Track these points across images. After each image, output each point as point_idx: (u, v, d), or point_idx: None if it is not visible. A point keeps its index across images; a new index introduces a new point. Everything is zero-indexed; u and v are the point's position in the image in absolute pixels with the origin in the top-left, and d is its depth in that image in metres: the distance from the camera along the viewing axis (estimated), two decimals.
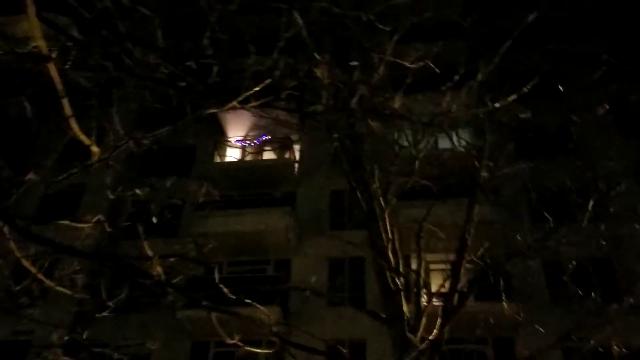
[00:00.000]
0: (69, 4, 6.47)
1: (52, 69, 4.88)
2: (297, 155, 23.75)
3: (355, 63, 7.79)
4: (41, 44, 4.69)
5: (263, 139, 24.10)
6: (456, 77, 9.14)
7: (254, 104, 6.37)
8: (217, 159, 23.83)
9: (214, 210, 20.20)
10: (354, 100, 7.51)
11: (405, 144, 10.16)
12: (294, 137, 23.60)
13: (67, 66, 5.93)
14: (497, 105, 8.29)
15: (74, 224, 6.71)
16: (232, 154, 24.20)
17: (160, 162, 21.37)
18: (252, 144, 24.15)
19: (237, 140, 24.18)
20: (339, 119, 8.46)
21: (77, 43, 6.34)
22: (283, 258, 20.47)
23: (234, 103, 6.18)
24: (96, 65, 6.49)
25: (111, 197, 7.72)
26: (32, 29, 4.49)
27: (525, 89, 8.65)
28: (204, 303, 7.71)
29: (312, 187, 22.30)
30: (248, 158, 24.32)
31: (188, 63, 6.48)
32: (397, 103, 8.08)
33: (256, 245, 20.34)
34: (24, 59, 6.85)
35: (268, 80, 6.44)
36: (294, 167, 23.04)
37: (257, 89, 6.31)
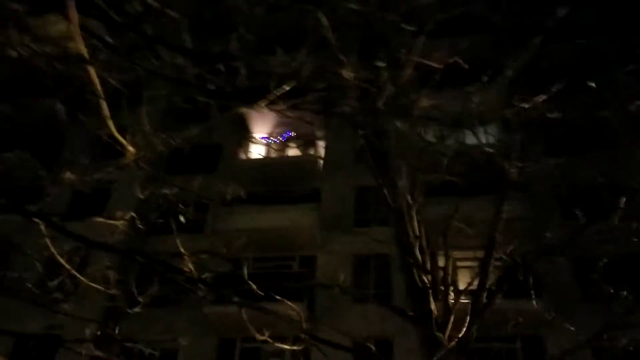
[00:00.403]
0: (99, 6, 6.57)
1: (92, 71, 4.98)
2: (322, 151, 23.79)
3: (381, 64, 7.79)
4: (82, 47, 4.79)
5: (288, 135, 24.18)
6: (485, 77, 9.08)
7: (280, 107, 6.42)
8: (243, 156, 23.95)
9: (240, 206, 20.33)
10: (381, 102, 7.51)
11: (433, 140, 10.11)
12: (319, 133, 23.65)
13: (98, 67, 6.04)
14: (525, 105, 8.23)
15: (106, 221, 6.85)
16: (258, 150, 24.30)
17: (187, 160, 21.59)
18: (277, 141, 24.24)
19: (262, 138, 24.29)
20: (366, 118, 8.47)
21: (109, 46, 6.45)
22: (308, 254, 20.53)
23: (261, 104, 6.24)
24: (125, 66, 6.60)
25: (140, 196, 7.84)
26: (74, 33, 4.59)
27: (554, 89, 8.56)
28: (234, 299, 7.79)
29: (337, 183, 22.32)
30: (273, 155, 24.42)
31: (215, 66, 6.55)
32: (424, 103, 8.05)
33: (281, 241, 20.43)
34: (56, 60, 7.00)
35: (293, 83, 6.48)
36: (318, 164, 23.08)
37: (283, 91, 6.35)
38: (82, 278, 6.97)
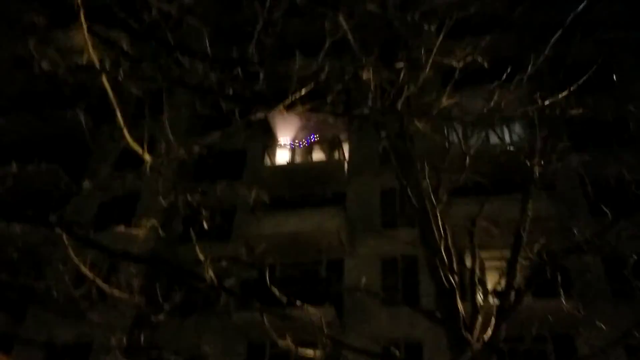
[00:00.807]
0: (119, 15, 6.67)
1: (105, 81, 5.06)
2: (346, 154, 23.78)
3: (401, 65, 7.77)
4: (93, 57, 4.86)
5: (312, 139, 24.21)
6: (504, 75, 8.99)
7: (300, 109, 6.44)
8: (268, 161, 24.04)
9: (266, 211, 20.42)
10: (401, 102, 7.49)
11: (455, 140, 10.06)
12: (343, 136, 23.66)
13: (119, 77, 6.12)
14: (547, 102, 8.14)
15: (129, 231, 6.92)
16: (282, 155, 24.39)
17: (212, 167, 21.77)
18: (301, 145, 24.30)
19: (286, 143, 24.38)
20: (387, 119, 8.45)
21: (128, 57, 6.55)
22: (335, 258, 20.50)
23: (281, 108, 6.26)
24: (147, 75, 6.67)
25: (164, 204, 7.92)
26: (85, 44, 4.67)
27: (576, 85, 8.46)
28: (257, 305, 7.81)
29: (362, 186, 22.30)
30: (298, 159, 24.47)
31: (235, 72, 6.60)
32: (445, 103, 8.01)
33: (308, 246, 20.41)
34: (78, 71, 7.11)
35: (311, 86, 6.51)
36: (343, 167, 23.07)
37: (302, 93, 6.37)
38: (105, 287, 7.05)
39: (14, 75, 25.54)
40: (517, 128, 19.43)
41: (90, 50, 4.76)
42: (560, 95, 8.21)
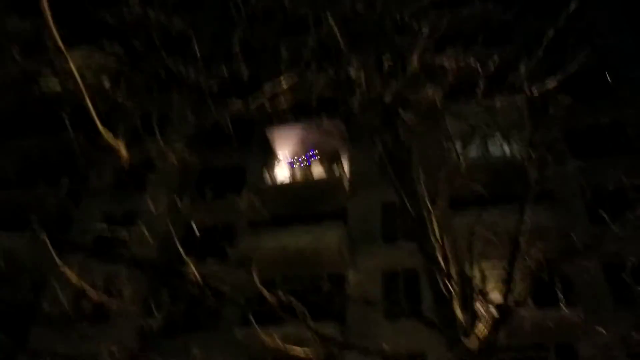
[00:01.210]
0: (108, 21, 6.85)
1: (76, 73, 5.25)
2: (346, 168, 23.86)
3: (387, 57, 7.90)
4: (64, 50, 5.01)
5: (311, 155, 24.29)
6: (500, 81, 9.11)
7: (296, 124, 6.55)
8: (267, 179, 24.08)
9: (266, 228, 20.51)
10: (388, 97, 7.59)
11: (455, 148, 10.12)
12: (342, 151, 23.76)
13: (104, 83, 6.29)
14: (535, 90, 8.21)
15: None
16: (282, 172, 24.47)
17: (211, 184, 21.89)
18: (301, 161, 24.37)
19: (286, 161, 24.45)
20: (381, 124, 8.56)
21: (124, 61, 6.76)
22: (337, 273, 20.53)
23: (260, 99, 6.41)
24: (144, 89, 6.86)
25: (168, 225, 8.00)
26: (50, 33, 4.79)
27: (564, 73, 8.51)
28: (252, 319, 7.89)
29: (363, 200, 22.35)
30: (298, 176, 24.51)
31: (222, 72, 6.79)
32: (431, 96, 8.09)
33: (310, 261, 20.45)
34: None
35: (294, 77, 6.68)
36: (344, 182, 23.15)
37: (284, 83, 6.51)
38: (105, 299, 7.16)
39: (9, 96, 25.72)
40: (516, 137, 19.57)
41: (58, 40, 4.88)
42: (548, 84, 8.27)
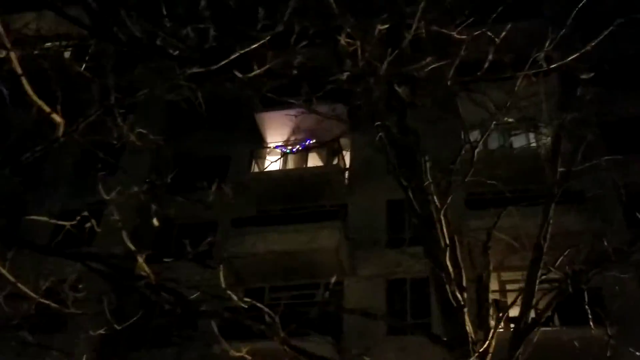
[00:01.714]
0: None
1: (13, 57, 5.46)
2: (348, 161, 23.80)
3: (381, 26, 7.95)
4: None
5: (307, 143, 24.04)
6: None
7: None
8: (255, 169, 24.03)
9: (253, 227, 20.44)
10: (384, 67, 7.64)
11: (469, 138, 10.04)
12: (343, 140, 23.66)
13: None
14: (552, 66, 8.27)
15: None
16: (273, 162, 24.42)
17: (191, 175, 21.85)
18: (295, 150, 24.17)
19: (277, 147, 24.29)
20: (383, 110, 8.58)
21: (86, 27, 6.88)
22: (334, 280, 20.48)
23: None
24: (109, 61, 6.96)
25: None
26: None
27: (595, 41, 8.53)
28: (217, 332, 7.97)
29: (365, 197, 22.30)
30: (290, 166, 24.39)
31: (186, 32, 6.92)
32: (430, 64, 8.07)
33: (302, 266, 20.36)
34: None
35: (272, 33, 6.78)
36: (344, 175, 23.09)
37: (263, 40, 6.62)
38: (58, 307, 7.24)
39: None
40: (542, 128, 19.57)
41: None
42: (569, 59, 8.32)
